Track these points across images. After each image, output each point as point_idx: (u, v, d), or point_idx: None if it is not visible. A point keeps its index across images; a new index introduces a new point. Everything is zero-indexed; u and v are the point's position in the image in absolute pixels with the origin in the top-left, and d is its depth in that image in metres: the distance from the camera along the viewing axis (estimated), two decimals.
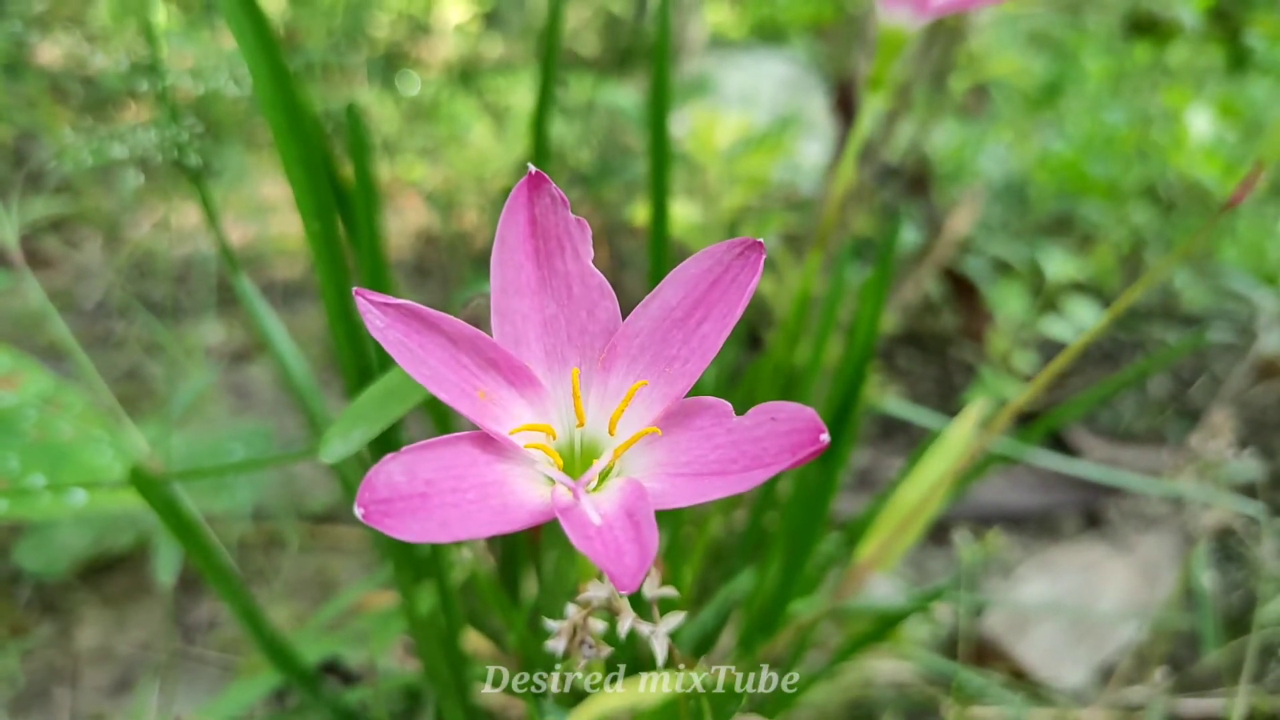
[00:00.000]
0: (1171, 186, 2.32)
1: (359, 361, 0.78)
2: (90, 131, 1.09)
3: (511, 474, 0.47)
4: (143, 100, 1.76)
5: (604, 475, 0.50)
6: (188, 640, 1.28)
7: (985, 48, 2.51)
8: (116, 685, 1.22)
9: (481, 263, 2.13)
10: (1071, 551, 1.56)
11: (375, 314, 0.45)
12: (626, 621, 0.52)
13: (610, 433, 0.50)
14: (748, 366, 1.20)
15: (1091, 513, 1.65)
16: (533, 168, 0.47)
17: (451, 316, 0.46)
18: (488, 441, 0.47)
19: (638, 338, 0.49)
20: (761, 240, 0.46)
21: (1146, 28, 2.30)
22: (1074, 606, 1.42)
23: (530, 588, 1.07)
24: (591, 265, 0.49)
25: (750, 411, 0.45)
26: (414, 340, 0.45)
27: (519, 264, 0.49)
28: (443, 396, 0.45)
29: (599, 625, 0.53)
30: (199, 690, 1.21)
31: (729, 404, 0.46)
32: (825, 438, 0.41)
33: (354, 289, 0.44)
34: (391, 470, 0.42)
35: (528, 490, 0.47)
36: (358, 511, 0.39)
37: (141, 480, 0.74)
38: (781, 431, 0.43)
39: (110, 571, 1.36)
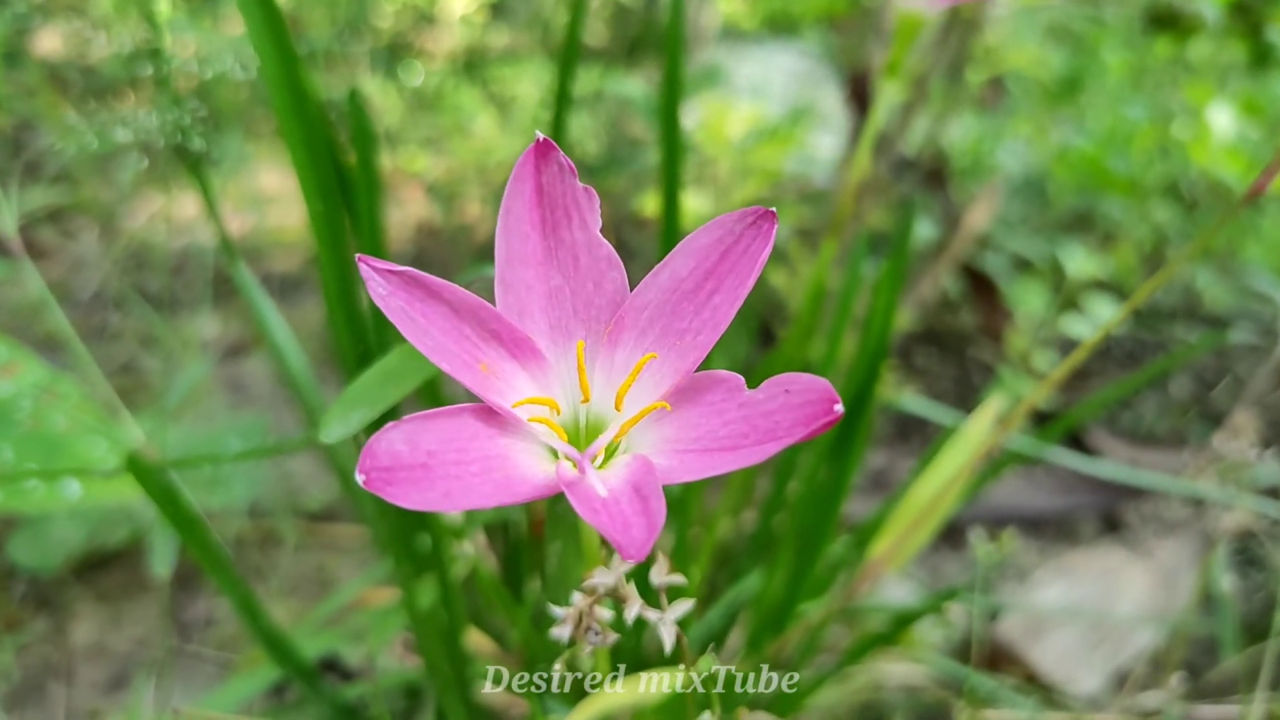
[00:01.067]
0: (1194, 184, 2.32)
1: (358, 348, 0.78)
2: (91, 117, 1.10)
3: (514, 448, 0.47)
4: (142, 90, 1.77)
5: (610, 452, 0.49)
6: (184, 638, 1.28)
7: (1002, 40, 2.51)
8: (112, 682, 1.22)
9: (483, 254, 2.14)
10: (1089, 556, 1.56)
11: (378, 281, 0.45)
12: (634, 608, 0.52)
13: (617, 408, 0.49)
14: (759, 362, 1.20)
15: (1110, 517, 1.65)
16: (540, 135, 0.47)
17: (454, 285, 0.46)
18: (490, 414, 0.47)
19: (646, 310, 0.49)
20: (774, 209, 0.46)
21: (1167, 22, 2.29)
22: (1090, 611, 1.42)
23: (533, 587, 1.07)
24: (599, 235, 0.49)
25: (763, 385, 0.44)
26: (416, 309, 0.45)
27: (524, 234, 0.49)
28: (445, 367, 0.45)
29: (605, 613, 0.53)
30: (196, 688, 1.21)
31: (741, 377, 0.46)
32: (839, 408, 0.41)
33: (357, 256, 0.44)
34: (393, 438, 0.42)
35: (531, 465, 0.47)
36: (359, 478, 0.39)
37: (139, 468, 0.74)
38: (795, 404, 0.43)
39: (105, 567, 1.36)
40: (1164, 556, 1.55)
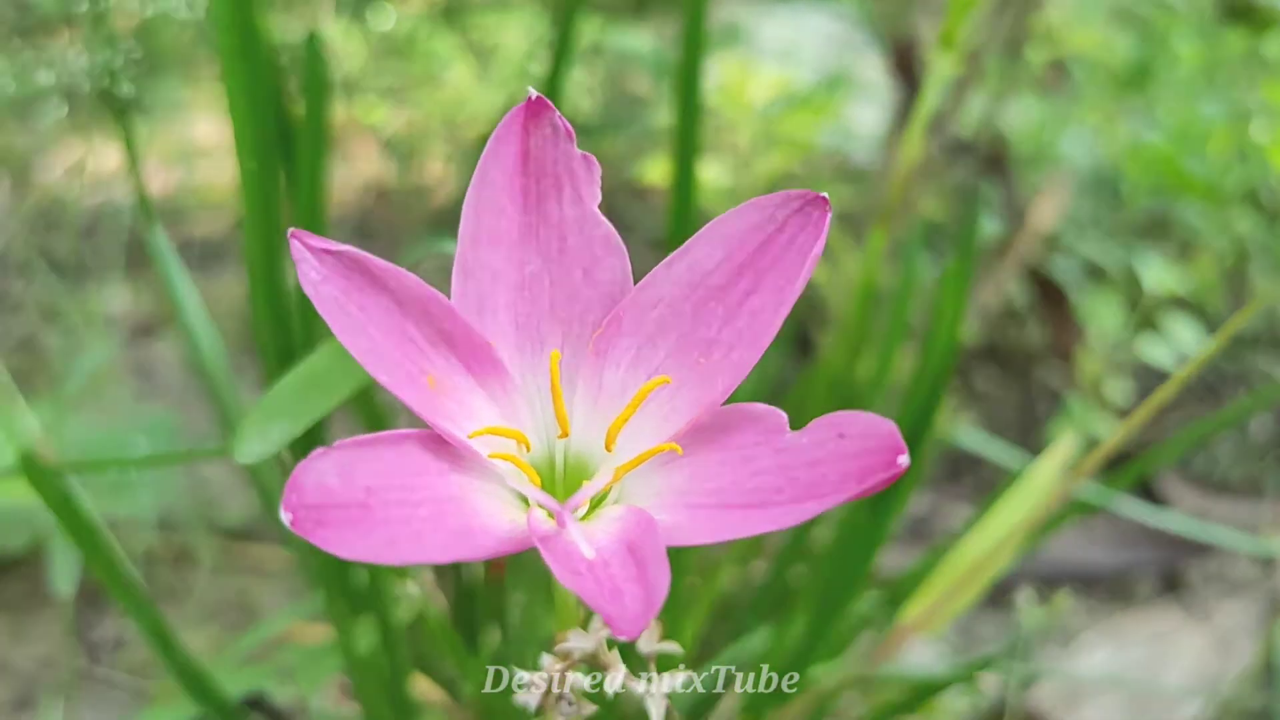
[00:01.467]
0: (1275, 192, 2.31)
1: (280, 338, 0.75)
2: (14, 56, 1.06)
3: (471, 489, 0.41)
4: (77, 27, 1.75)
5: (596, 502, 0.43)
6: (93, 659, 1.28)
7: (1064, 19, 2.50)
8: (16, 702, 1.22)
9: (440, 222, 2.10)
10: (1142, 618, 1.54)
11: (312, 263, 0.39)
12: (617, 678, 0.48)
13: (607, 447, 0.42)
14: (794, 379, 1.15)
15: (1171, 574, 1.62)
16: (533, 92, 0.42)
17: (404, 271, 0.41)
18: (441, 444, 0.41)
19: (655, 309, 0.43)
20: (825, 195, 0.40)
21: (1242, 12, 2.29)
22: (1135, 679, 1.41)
23: (491, 637, 1.04)
24: (597, 212, 0.43)
25: (810, 425, 0.38)
26: (354, 300, 0.40)
27: (500, 207, 0.43)
28: (383, 379, 0.39)
29: (581, 680, 0.50)
30: (107, 714, 1.21)
31: (783, 414, 0.39)
32: (904, 460, 0.35)
33: (290, 230, 0.38)
34: (323, 470, 0.36)
35: (495, 511, 0.41)
36: (285, 518, 0.33)
37: (33, 470, 0.71)
38: (849, 453, 0.37)
39: (4, 575, 1.35)
40: (1222, 619, 1.55)
